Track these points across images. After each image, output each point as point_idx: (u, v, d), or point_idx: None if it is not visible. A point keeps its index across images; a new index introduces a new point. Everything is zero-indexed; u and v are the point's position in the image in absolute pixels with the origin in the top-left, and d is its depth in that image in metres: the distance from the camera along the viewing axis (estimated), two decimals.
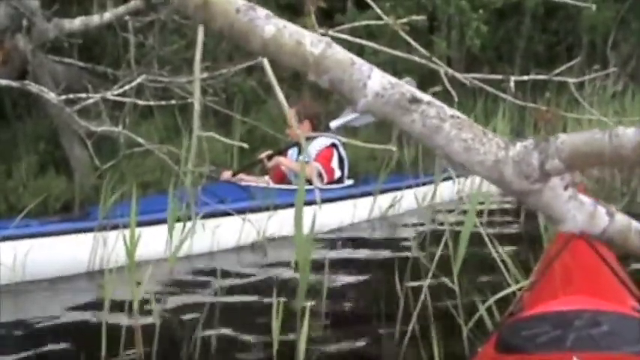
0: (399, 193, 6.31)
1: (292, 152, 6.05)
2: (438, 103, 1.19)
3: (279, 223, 5.25)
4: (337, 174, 5.93)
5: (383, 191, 6.11)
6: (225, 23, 1.24)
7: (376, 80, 1.21)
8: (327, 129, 5.49)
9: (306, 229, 5.33)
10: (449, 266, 3.75)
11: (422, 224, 5.87)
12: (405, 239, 5.14)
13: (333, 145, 5.91)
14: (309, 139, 5.72)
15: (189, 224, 4.79)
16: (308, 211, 5.41)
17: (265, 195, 5.31)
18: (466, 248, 3.78)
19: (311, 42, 1.22)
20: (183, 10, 1.26)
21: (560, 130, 8.47)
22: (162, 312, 3.82)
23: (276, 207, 5.31)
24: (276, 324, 3.21)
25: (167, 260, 4.60)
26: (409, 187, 6.40)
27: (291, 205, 5.37)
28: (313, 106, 6.25)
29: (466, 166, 1.18)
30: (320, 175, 5.80)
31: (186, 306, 3.94)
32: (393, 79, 1.21)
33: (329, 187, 5.79)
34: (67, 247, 4.48)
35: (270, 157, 5.87)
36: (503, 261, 3.69)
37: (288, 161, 5.89)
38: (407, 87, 1.19)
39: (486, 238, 3.81)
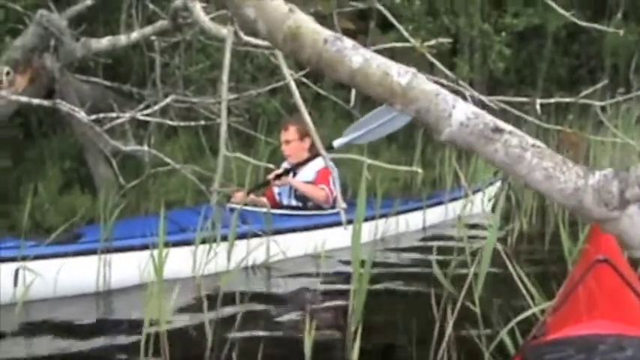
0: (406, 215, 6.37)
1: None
2: (519, 132, 1.21)
3: (280, 246, 5.30)
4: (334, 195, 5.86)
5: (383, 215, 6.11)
6: (314, 54, 1.25)
7: (461, 110, 1.22)
8: (331, 148, 5.43)
9: (309, 250, 5.38)
10: (470, 289, 3.72)
11: (440, 246, 5.88)
12: (425, 261, 5.11)
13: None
14: (309, 159, 5.70)
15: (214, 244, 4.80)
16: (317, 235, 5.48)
17: (260, 220, 5.29)
18: (488, 271, 3.75)
19: (398, 73, 1.24)
20: (272, 41, 1.26)
21: (585, 152, 8.48)
22: (190, 329, 3.82)
23: (276, 232, 5.33)
24: (308, 341, 3.18)
25: (193, 279, 4.61)
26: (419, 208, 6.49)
27: (291, 230, 5.48)
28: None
29: (546, 194, 1.19)
30: (327, 197, 5.76)
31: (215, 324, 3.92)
32: (477, 109, 1.22)
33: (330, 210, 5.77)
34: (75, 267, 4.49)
35: (278, 177, 5.79)
36: (524, 284, 3.65)
37: (298, 182, 5.81)
38: (489, 117, 1.20)
39: (507, 261, 3.78)
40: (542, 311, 3.28)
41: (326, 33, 1.22)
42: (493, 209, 6.80)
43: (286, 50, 1.25)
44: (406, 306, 4.36)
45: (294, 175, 5.86)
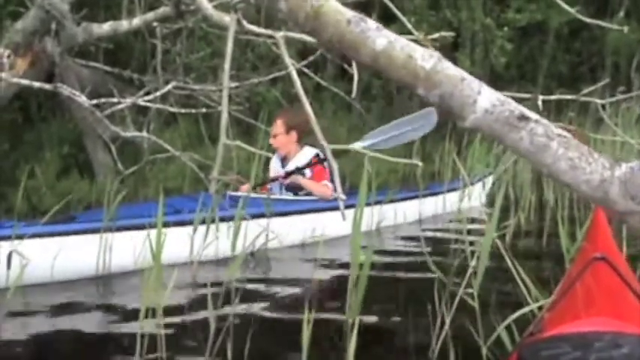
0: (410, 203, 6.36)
1: (276, 166, 5.96)
2: (545, 121, 1.19)
3: (278, 233, 5.26)
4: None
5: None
6: (336, 34, 1.23)
7: (485, 97, 1.20)
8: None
9: (307, 237, 5.35)
10: (468, 283, 3.70)
11: (438, 238, 5.85)
12: (421, 254, 5.08)
13: (317, 156, 5.82)
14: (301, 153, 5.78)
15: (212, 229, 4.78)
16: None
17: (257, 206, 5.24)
18: (486, 266, 3.72)
19: (422, 56, 1.21)
20: (293, 20, 1.24)
21: None
22: (185, 317, 3.79)
23: (275, 215, 5.28)
24: (306, 334, 3.16)
25: (189, 264, 4.59)
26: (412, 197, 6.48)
27: (289, 214, 5.45)
28: (300, 116, 6.14)
29: (571, 184, 1.17)
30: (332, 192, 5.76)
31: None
32: (502, 96, 1.19)
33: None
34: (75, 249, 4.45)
35: (287, 175, 5.77)
36: (522, 279, 3.63)
37: (306, 181, 5.77)
38: (514, 104, 1.18)
39: (506, 256, 3.76)
40: (540, 308, 3.27)
41: (349, 13, 1.20)
42: (491, 204, 6.80)
43: (307, 29, 1.23)
44: (403, 299, 4.33)
45: (283, 166, 5.88)
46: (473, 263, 3.71)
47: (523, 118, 1.16)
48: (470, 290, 3.61)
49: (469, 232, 5.41)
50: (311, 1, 1.18)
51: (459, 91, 1.18)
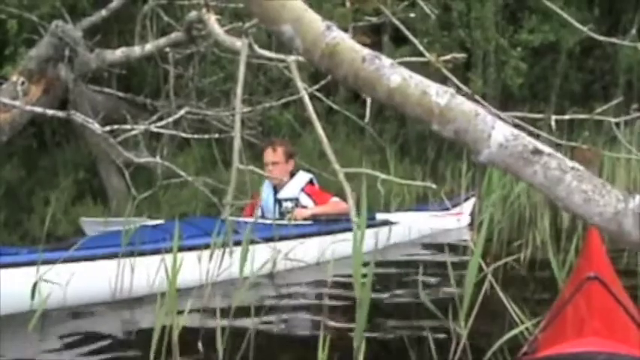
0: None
1: (268, 193, 5.94)
2: (558, 155, 1.19)
3: (287, 255, 5.19)
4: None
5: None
6: (351, 71, 1.24)
7: (500, 131, 1.21)
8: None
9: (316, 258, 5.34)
10: (455, 308, 3.67)
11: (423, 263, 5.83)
12: (407, 280, 5.04)
13: (311, 181, 5.90)
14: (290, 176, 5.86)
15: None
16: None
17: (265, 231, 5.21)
18: (472, 290, 3.68)
19: (436, 92, 1.22)
20: (309, 58, 1.25)
21: (599, 168, 8.42)
22: (200, 339, 3.78)
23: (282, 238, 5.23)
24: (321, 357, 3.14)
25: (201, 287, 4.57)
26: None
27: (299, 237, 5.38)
28: (293, 145, 6.20)
29: (585, 216, 1.17)
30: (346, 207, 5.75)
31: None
32: (515, 131, 1.20)
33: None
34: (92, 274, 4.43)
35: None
36: (510, 304, 3.60)
37: (317, 209, 5.77)
38: (528, 139, 1.19)
39: (493, 282, 3.72)
40: (528, 330, 3.24)
41: (365, 51, 1.21)
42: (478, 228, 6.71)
43: (323, 67, 1.23)
44: (396, 323, 4.26)
45: (276, 193, 5.88)
46: (470, 291, 3.67)
47: (537, 152, 1.17)
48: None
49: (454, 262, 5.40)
50: (326, 40, 1.18)
51: (473, 126, 1.18)
